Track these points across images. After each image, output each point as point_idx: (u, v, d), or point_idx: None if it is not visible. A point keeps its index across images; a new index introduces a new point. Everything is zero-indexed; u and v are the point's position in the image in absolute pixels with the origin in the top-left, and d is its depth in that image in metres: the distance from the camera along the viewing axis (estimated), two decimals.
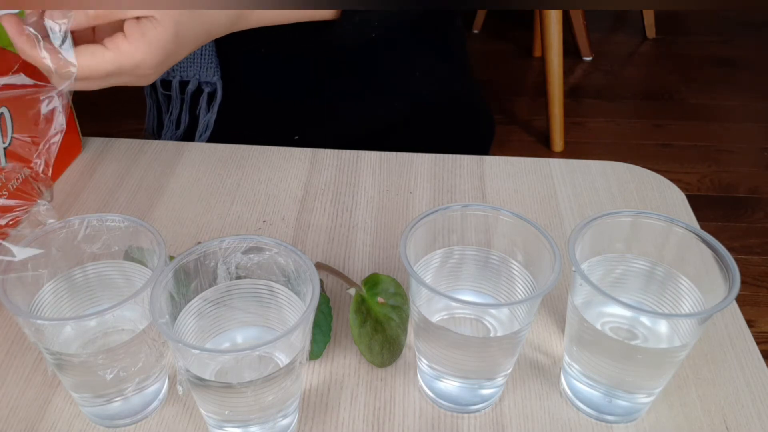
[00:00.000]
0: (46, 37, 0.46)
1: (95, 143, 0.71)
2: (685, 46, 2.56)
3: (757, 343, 0.51)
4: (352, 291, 0.49)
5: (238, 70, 0.75)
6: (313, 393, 0.47)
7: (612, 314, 0.45)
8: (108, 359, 0.40)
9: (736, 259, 0.41)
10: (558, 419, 0.46)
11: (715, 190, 1.87)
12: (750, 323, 1.35)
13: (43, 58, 0.46)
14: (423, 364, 0.46)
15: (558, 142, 2.02)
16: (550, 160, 0.70)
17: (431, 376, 0.46)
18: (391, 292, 0.49)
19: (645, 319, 0.45)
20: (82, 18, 0.47)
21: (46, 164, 0.55)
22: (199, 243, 0.42)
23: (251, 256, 0.42)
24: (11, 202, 0.55)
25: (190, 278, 0.41)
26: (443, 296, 0.40)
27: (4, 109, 0.56)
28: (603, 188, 0.66)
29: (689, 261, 0.44)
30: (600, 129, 2.13)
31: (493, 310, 0.47)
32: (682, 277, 0.44)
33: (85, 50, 0.48)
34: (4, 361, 0.49)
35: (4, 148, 0.57)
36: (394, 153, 0.70)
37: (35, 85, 0.50)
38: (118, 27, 0.49)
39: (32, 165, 0.55)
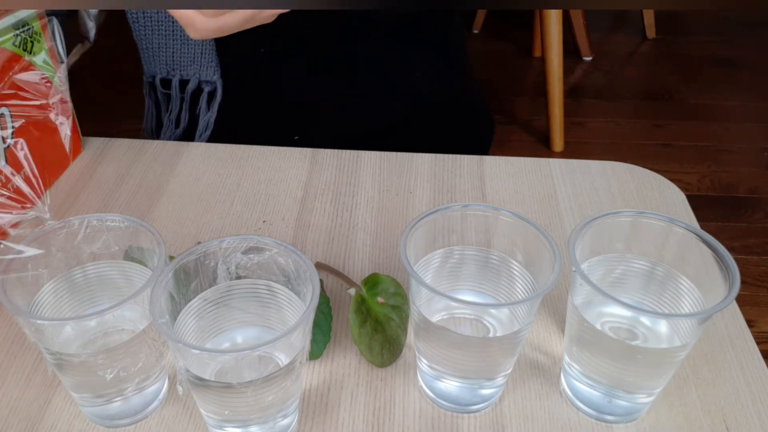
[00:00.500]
0: None
1: (95, 143, 0.71)
2: (685, 46, 2.56)
3: (757, 343, 0.51)
4: (352, 291, 0.49)
5: (237, 69, 0.75)
6: (313, 393, 0.47)
7: (612, 314, 0.45)
8: (108, 359, 0.40)
9: (736, 259, 0.41)
10: (558, 419, 0.46)
11: (715, 190, 1.87)
12: (750, 323, 1.35)
13: None
14: (423, 364, 0.46)
15: (558, 142, 2.02)
16: (550, 160, 0.70)
17: (431, 376, 0.46)
18: (391, 292, 0.49)
19: (645, 319, 0.45)
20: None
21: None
22: (199, 243, 0.42)
23: (251, 256, 0.42)
24: (12, 202, 0.55)
25: (190, 278, 0.41)
26: (443, 296, 0.40)
27: (4, 110, 0.57)
28: (603, 188, 0.66)
29: (689, 261, 0.44)
30: (600, 129, 2.13)
31: (493, 310, 0.47)
32: (682, 277, 0.44)
33: None
34: (4, 361, 0.49)
35: (4, 149, 0.57)
36: (394, 153, 0.70)
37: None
38: None
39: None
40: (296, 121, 0.78)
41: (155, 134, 0.83)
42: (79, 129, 0.69)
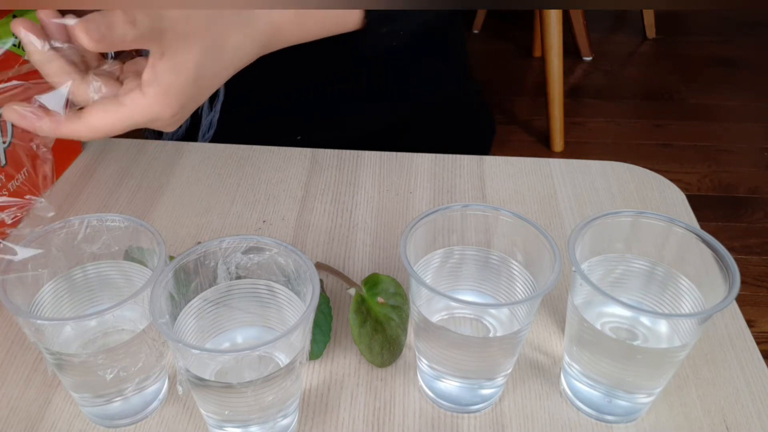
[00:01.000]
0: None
1: (95, 143, 0.71)
2: (685, 46, 2.56)
3: (757, 343, 0.51)
4: (352, 291, 0.49)
5: (239, 72, 0.75)
6: (313, 393, 0.47)
7: (612, 314, 0.45)
8: (108, 359, 0.40)
9: (736, 259, 0.41)
10: (558, 419, 0.46)
11: (715, 190, 1.87)
12: (750, 323, 1.35)
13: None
14: (423, 364, 0.46)
15: (558, 142, 2.02)
16: (550, 160, 0.70)
17: (431, 376, 0.46)
18: (391, 292, 0.49)
19: (645, 319, 0.45)
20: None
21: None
22: (199, 243, 0.42)
23: (251, 256, 0.42)
24: (12, 200, 0.55)
25: (190, 278, 0.41)
26: (443, 296, 0.40)
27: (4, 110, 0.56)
28: (603, 188, 0.66)
29: (689, 261, 0.44)
30: (600, 129, 2.13)
31: (493, 310, 0.47)
32: (682, 277, 0.44)
33: (97, 108, 0.45)
34: (4, 361, 0.49)
35: (5, 149, 0.57)
36: (394, 153, 0.70)
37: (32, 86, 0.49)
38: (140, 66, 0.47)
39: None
40: (297, 122, 0.78)
41: (156, 134, 0.83)
42: None
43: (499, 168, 0.68)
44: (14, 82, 0.47)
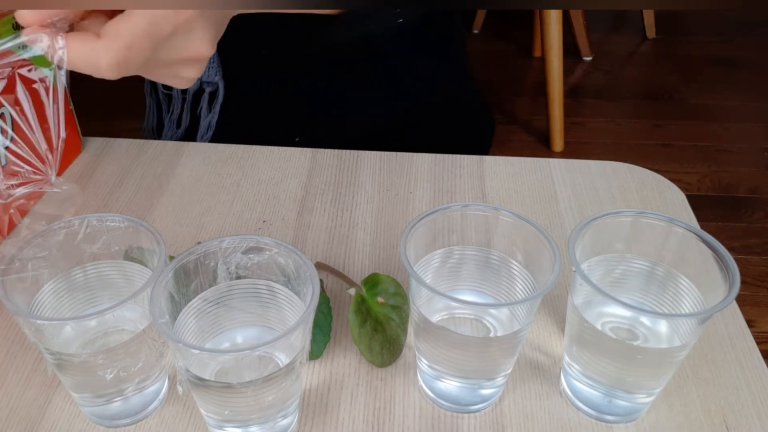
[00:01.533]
0: None
1: (95, 143, 0.71)
2: (685, 46, 2.56)
3: (757, 343, 0.51)
4: (352, 291, 0.49)
5: (239, 70, 0.75)
6: (313, 393, 0.47)
7: (612, 314, 0.45)
8: (108, 359, 0.40)
9: (736, 259, 0.41)
10: (558, 419, 0.46)
11: (715, 190, 1.87)
12: (750, 323, 1.34)
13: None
14: (423, 364, 0.46)
15: (558, 142, 2.02)
16: (550, 160, 0.70)
17: (431, 376, 0.46)
18: (391, 292, 0.49)
19: (645, 319, 0.45)
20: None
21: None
22: (199, 243, 0.42)
23: (251, 256, 0.42)
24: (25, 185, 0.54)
25: (190, 278, 0.41)
26: (443, 296, 0.40)
27: (4, 110, 0.56)
28: (603, 188, 0.66)
29: (689, 261, 0.44)
30: (600, 129, 2.13)
31: (493, 310, 0.47)
32: (682, 277, 0.44)
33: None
34: (4, 361, 0.49)
35: (5, 148, 0.57)
36: (394, 153, 0.70)
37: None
38: None
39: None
40: (297, 121, 0.78)
41: (156, 134, 0.83)
42: (79, 129, 0.69)
43: (499, 168, 0.68)
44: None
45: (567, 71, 2.17)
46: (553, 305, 0.53)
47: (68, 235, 0.43)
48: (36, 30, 0.42)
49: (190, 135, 0.79)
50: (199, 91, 0.76)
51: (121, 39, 0.41)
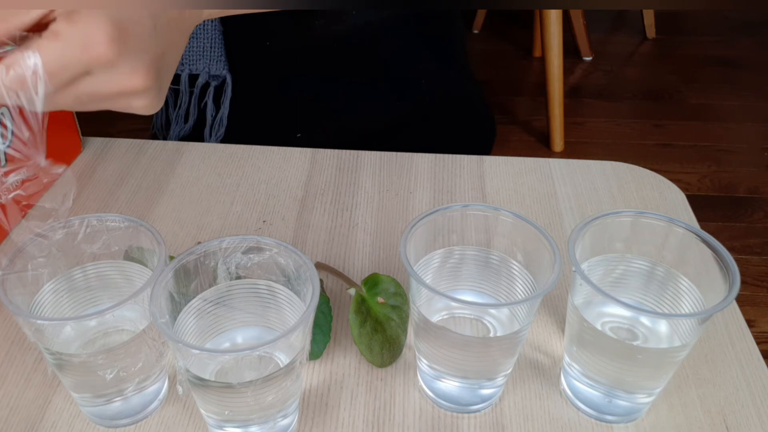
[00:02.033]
0: None
1: (95, 143, 0.71)
2: (685, 46, 2.56)
3: (757, 343, 0.51)
4: (352, 291, 0.49)
5: (242, 66, 0.75)
6: (313, 393, 0.47)
7: (612, 314, 0.45)
8: (108, 359, 0.40)
9: (736, 259, 0.41)
10: (558, 419, 0.46)
11: (715, 190, 1.87)
12: (750, 323, 1.35)
13: None
14: (423, 364, 0.46)
15: (558, 142, 2.02)
16: (550, 160, 0.70)
17: (431, 376, 0.46)
18: (391, 292, 0.49)
19: (645, 319, 0.45)
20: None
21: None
22: (199, 243, 0.42)
23: (251, 256, 0.42)
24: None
25: (190, 278, 0.41)
26: (443, 296, 0.40)
27: (4, 110, 0.56)
28: (603, 188, 0.66)
29: (689, 261, 0.44)
30: (600, 129, 2.13)
31: (493, 310, 0.47)
32: (682, 277, 0.44)
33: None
34: (4, 361, 0.49)
35: (5, 147, 0.57)
36: (394, 153, 0.70)
37: None
38: None
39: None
40: (298, 119, 0.78)
41: (165, 130, 0.83)
42: (79, 129, 0.69)
43: (499, 168, 0.68)
44: None
45: (567, 71, 2.17)
46: (553, 305, 0.53)
47: (68, 235, 0.43)
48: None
49: (198, 129, 0.79)
50: (206, 84, 0.76)
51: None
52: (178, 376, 0.39)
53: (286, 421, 0.43)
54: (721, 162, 1.97)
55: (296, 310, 0.42)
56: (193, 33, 0.73)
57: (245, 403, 0.39)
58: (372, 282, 0.49)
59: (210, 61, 0.74)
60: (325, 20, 0.70)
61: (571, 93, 2.27)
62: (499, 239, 0.46)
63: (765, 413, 0.46)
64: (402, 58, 0.77)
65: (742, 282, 0.45)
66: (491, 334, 0.46)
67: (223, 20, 0.72)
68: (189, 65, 0.75)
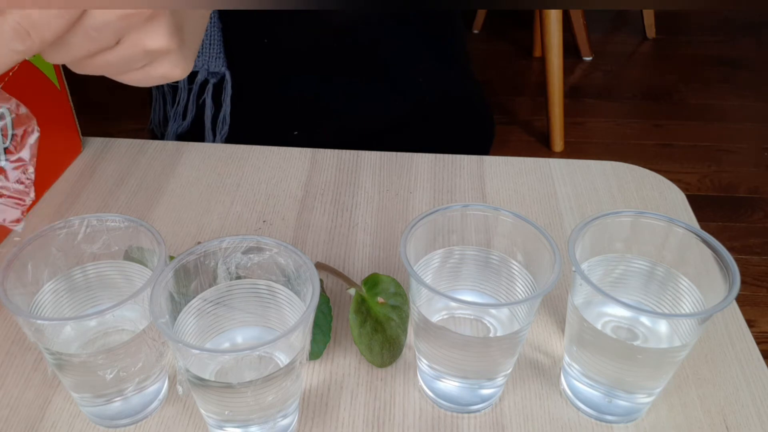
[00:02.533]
0: None
1: (95, 143, 0.71)
2: (685, 46, 2.57)
3: (757, 343, 0.51)
4: (352, 291, 0.49)
5: (242, 64, 0.75)
6: (313, 393, 0.47)
7: (612, 314, 0.45)
8: (108, 359, 0.40)
9: (736, 259, 0.41)
10: (558, 419, 0.46)
11: (715, 190, 1.87)
12: (750, 323, 1.35)
13: None
14: (423, 364, 0.46)
15: (558, 142, 2.02)
16: (550, 160, 0.70)
17: (431, 376, 0.46)
18: (391, 292, 0.49)
19: (645, 319, 0.45)
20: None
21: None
22: (199, 243, 0.42)
23: (251, 256, 0.42)
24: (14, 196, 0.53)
25: (190, 278, 0.41)
26: (443, 296, 0.40)
27: (3, 109, 0.56)
28: (603, 188, 0.66)
29: (689, 261, 0.44)
30: (600, 129, 2.13)
31: (493, 310, 0.47)
32: (682, 277, 0.44)
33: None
34: (4, 361, 0.49)
35: (5, 148, 0.57)
36: (394, 153, 0.70)
37: None
38: None
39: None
40: (297, 118, 0.78)
41: (162, 127, 0.82)
42: (79, 129, 0.69)
43: (499, 168, 0.68)
44: None
45: (567, 71, 2.17)
46: (553, 305, 0.53)
47: (68, 235, 0.43)
48: None
49: (196, 126, 0.79)
50: (205, 81, 0.76)
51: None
52: (178, 376, 0.39)
53: (286, 421, 0.43)
54: (721, 162, 1.97)
55: (296, 310, 0.42)
56: None
57: (245, 403, 0.39)
58: (372, 282, 0.49)
59: (209, 57, 0.74)
60: (325, 20, 0.70)
61: (571, 93, 2.27)
62: (499, 239, 0.46)
63: (765, 413, 0.46)
64: (402, 58, 0.77)
65: (742, 282, 0.45)
66: (491, 334, 0.46)
67: (223, 17, 0.72)
68: None
